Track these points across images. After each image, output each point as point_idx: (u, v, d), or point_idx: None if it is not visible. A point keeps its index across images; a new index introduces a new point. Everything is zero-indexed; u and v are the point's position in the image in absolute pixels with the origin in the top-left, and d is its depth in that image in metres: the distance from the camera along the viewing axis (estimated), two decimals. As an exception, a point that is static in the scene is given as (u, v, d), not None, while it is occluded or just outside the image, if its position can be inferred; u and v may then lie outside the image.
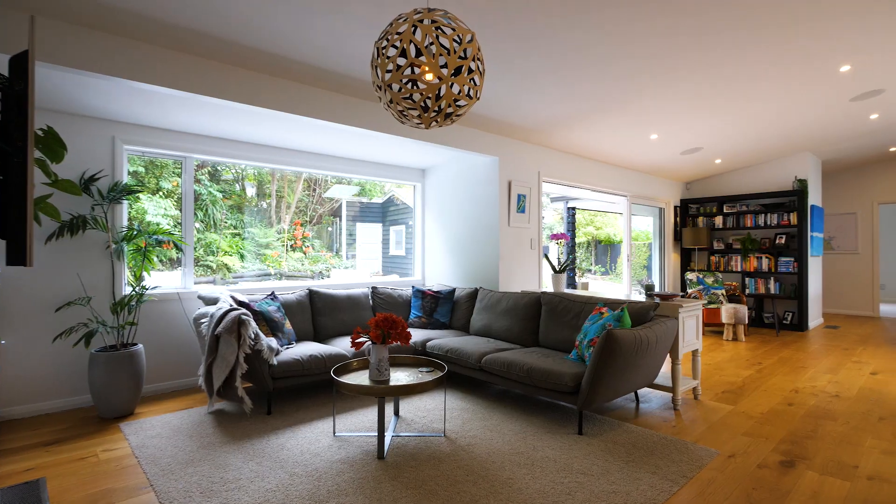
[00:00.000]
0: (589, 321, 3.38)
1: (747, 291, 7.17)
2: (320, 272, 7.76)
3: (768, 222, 7.01)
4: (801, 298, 6.68)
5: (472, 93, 2.29)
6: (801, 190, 6.68)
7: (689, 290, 6.78)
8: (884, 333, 6.47)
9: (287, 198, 9.15)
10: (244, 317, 3.14)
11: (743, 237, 7.24)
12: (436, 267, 5.55)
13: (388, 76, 2.23)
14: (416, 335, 4.18)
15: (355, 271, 8.95)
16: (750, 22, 3.22)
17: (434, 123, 2.40)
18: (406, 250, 10.08)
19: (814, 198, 7.06)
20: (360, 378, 2.83)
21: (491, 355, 3.48)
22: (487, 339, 4.10)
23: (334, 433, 2.93)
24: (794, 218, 6.75)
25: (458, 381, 4.15)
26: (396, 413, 3.27)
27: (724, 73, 3.94)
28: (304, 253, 8.18)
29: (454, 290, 4.74)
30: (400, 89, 2.20)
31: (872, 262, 8.00)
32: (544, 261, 5.12)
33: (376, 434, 2.91)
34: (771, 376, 4.32)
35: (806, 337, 6.27)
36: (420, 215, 5.76)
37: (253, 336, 3.12)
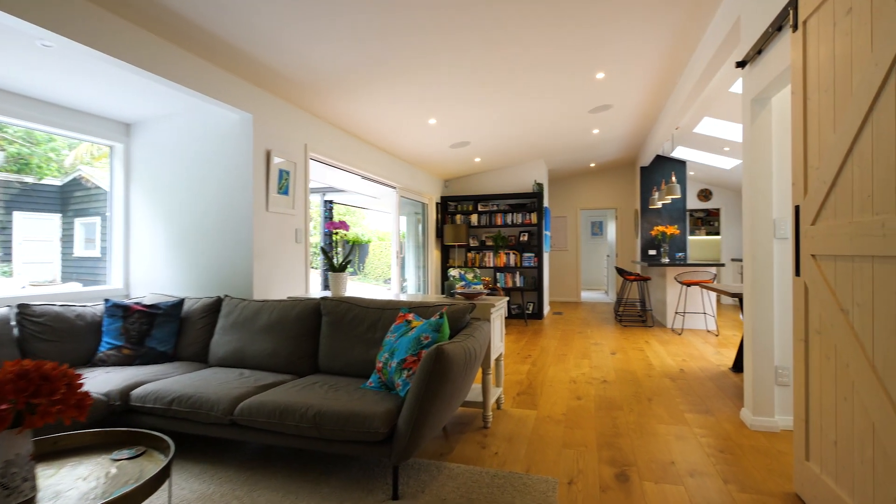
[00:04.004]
0: (392, 333, 2.52)
1: (498, 285, 7.63)
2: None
3: (514, 221, 7.61)
4: (539, 290, 7.45)
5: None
6: (539, 193, 7.45)
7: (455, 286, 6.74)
8: (593, 315, 7.78)
9: None
10: None
11: (494, 234, 7.68)
12: (150, 270, 3.78)
13: None
14: (111, 379, 2.53)
15: (9, 280, 5.87)
16: (526, 18, 2.96)
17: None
18: (102, 250, 7.27)
19: (545, 200, 8.02)
20: (-55, 517, 1.25)
21: (251, 399, 2.25)
22: (240, 370, 2.79)
23: None
24: (534, 217, 7.49)
25: (192, 445, 2.70)
26: (60, 545, 1.71)
27: (501, 66, 3.71)
28: None
29: (182, 301, 3.19)
30: None
31: (577, 257, 9.73)
32: (317, 260, 4.03)
33: None
34: (545, 368, 4.35)
35: (545, 324, 6.97)
36: (122, 192, 3.85)
37: None
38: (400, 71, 3.67)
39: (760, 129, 2.83)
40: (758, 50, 2.67)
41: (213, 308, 3.17)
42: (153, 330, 3.01)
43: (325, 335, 2.84)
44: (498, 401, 3.24)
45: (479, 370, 2.95)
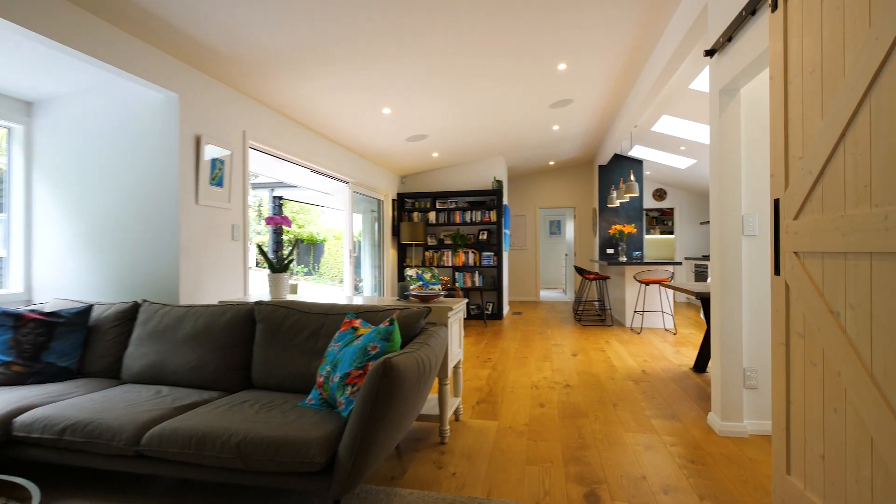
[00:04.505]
0: (336, 342, 2.21)
1: (457, 285, 7.40)
2: None
3: (473, 219, 7.40)
4: (499, 290, 7.27)
5: None
6: (498, 190, 7.27)
7: (410, 287, 6.46)
8: (552, 315, 7.69)
9: None
10: None
11: (453, 233, 7.44)
12: (57, 272, 3.27)
13: None
14: (-9, 405, 2.09)
15: None
16: (485, 6, 2.74)
17: None
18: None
19: (504, 198, 7.86)
20: None
21: (163, 426, 1.88)
22: (158, 388, 2.39)
23: None
24: (493, 215, 7.31)
25: (96, 481, 2.28)
26: None
27: (460, 54, 3.46)
28: None
29: (90, 307, 2.74)
30: None
31: (536, 256, 9.65)
32: (255, 259, 3.63)
33: None
34: (506, 373, 4.14)
35: (505, 325, 6.80)
36: (23, 182, 3.32)
37: None
38: (352, 54, 3.34)
39: (729, 121, 2.71)
40: (728, 37, 2.54)
41: (129, 315, 2.74)
42: (52, 342, 2.55)
43: (259, 345, 2.49)
44: (456, 412, 2.98)
45: (436, 380, 2.71)
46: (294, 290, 9.14)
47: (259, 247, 3.14)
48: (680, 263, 6.19)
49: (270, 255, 8.45)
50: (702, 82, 4.69)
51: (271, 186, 8.35)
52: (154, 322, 2.64)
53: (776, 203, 1.93)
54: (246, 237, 3.75)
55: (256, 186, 8.43)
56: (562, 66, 4.19)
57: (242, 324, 2.54)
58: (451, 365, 2.68)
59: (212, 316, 2.57)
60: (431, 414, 2.67)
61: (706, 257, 8.82)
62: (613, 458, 2.44)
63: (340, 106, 4.36)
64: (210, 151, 3.32)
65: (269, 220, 3.14)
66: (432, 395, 2.98)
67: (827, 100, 1.60)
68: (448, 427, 2.63)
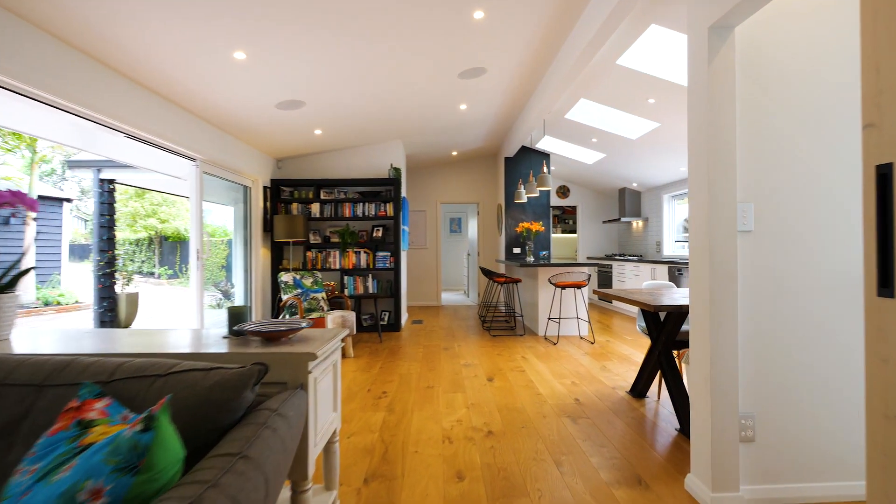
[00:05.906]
0: (32, 464, 0.97)
1: (346, 292, 6.18)
2: None
3: (366, 213, 6.23)
4: (396, 296, 6.20)
5: None
6: (396, 179, 6.19)
7: (285, 297, 5.12)
8: (456, 323, 6.81)
9: None
10: None
11: (342, 229, 6.20)
12: None
13: None
14: None
15: None
16: None
17: None
18: None
19: (403, 190, 6.82)
20: None
21: None
22: None
23: None
24: (390, 209, 6.21)
25: None
26: None
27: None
28: None
29: None
30: None
31: (437, 256, 8.74)
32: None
33: None
34: (407, 415, 3.08)
35: (404, 337, 5.75)
36: None
37: None
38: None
39: (721, 70, 1.93)
40: (732, -57, 1.74)
41: None
42: None
43: None
44: (330, 513, 1.85)
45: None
46: (134, 302, 7.10)
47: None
48: (595, 265, 5.65)
49: (96, 257, 6.45)
50: (632, 57, 4.06)
51: (98, 166, 6.35)
52: None
53: (884, 172, 1.11)
54: (-28, 229, 2.21)
55: (75, 165, 6.36)
56: (478, 15, 3.24)
57: None
58: (316, 451, 1.54)
59: None
60: (280, 541, 1.52)
61: (609, 257, 8.62)
62: (585, 590, 1.50)
63: (166, 34, 2.95)
64: None
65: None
66: (286, 492, 1.81)
67: None
68: (310, 564, 1.49)
